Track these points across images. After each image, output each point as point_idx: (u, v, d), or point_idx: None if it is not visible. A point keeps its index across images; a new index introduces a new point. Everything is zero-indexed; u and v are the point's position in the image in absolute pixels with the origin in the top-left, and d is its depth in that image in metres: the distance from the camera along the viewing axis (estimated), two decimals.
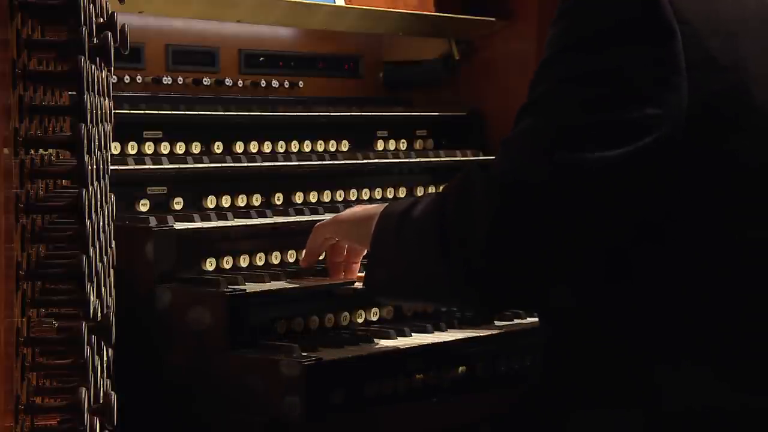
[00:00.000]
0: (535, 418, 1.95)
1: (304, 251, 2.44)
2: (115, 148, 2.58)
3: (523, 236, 1.81)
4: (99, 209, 1.40)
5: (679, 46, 1.76)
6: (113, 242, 1.61)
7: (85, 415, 1.26)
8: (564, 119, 1.81)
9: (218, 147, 2.76)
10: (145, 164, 2.56)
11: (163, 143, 2.67)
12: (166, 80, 2.89)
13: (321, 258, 2.60)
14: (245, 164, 2.72)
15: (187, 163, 2.64)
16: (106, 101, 1.53)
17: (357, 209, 2.32)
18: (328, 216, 2.65)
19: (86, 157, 1.27)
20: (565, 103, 1.81)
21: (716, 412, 1.79)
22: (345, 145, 3.04)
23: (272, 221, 2.57)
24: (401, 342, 2.40)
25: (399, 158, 3.06)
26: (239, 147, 2.80)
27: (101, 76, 1.42)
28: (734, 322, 1.80)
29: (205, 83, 2.95)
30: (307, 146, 2.95)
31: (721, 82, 1.78)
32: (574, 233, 1.80)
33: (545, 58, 1.86)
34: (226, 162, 2.70)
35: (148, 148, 2.64)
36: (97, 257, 1.36)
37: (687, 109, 1.75)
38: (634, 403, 1.82)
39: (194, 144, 2.72)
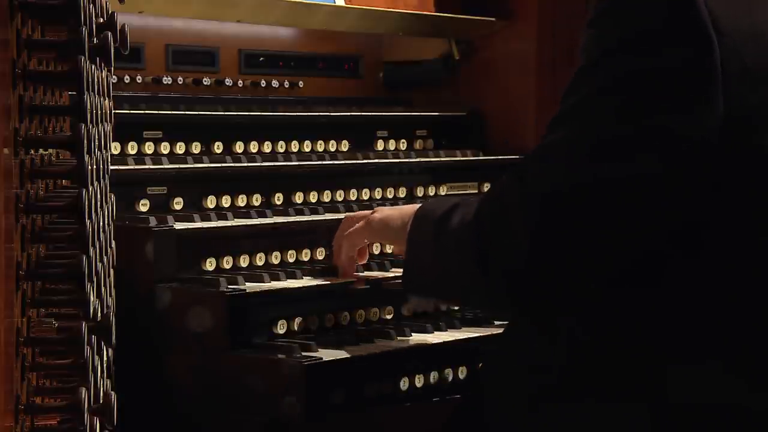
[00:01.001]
0: (539, 414, 1.95)
1: (334, 254, 2.45)
2: (115, 148, 2.58)
3: (564, 247, 1.81)
4: (99, 209, 1.40)
5: (717, 57, 1.75)
6: (113, 242, 1.61)
7: (85, 415, 1.26)
8: (599, 130, 1.81)
9: (218, 147, 2.76)
10: (145, 164, 2.56)
11: (163, 143, 2.67)
12: (166, 80, 2.89)
13: (321, 258, 2.61)
14: (245, 164, 2.72)
15: (187, 163, 2.64)
16: (106, 101, 1.53)
17: (388, 210, 2.32)
18: (328, 216, 2.66)
19: (86, 157, 1.27)
20: (600, 114, 1.81)
21: (734, 412, 1.79)
22: (345, 145, 3.04)
23: (272, 221, 2.57)
24: (401, 342, 2.39)
25: (399, 158, 3.06)
26: (239, 147, 2.80)
27: (101, 76, 1.42)
28: (759, 323, 1.80)
29: (205, 83, 2.95)
30: (307, 146, 2.95)
31: (757, 93, 1.77)
32: (614, 242, 1.81)
33: (579, 67, 1.85)
34: (226, 162, 2.70)
35: (148, 148, 2.64)
36: (97, 257, 1.36)
37: (722, 119, 1.75)
38: (643, 398, 1.82)
39: (194, 144, 2.72)
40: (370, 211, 2.36)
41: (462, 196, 3.09)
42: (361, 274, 2.48)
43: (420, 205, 2.16)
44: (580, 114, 1.84)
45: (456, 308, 2.67)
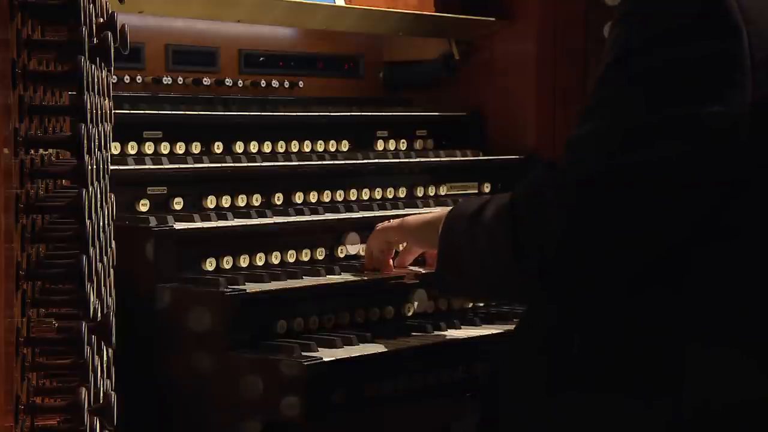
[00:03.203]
0: (555, 403, 1.94)
1: (365, 250, 2.53)
2: (115, 148, 2.58)
3: (597, 232, 1.84)
4: (99, 209, 1.40)
5: (745, 45, 1.78)
6: (113, 242, 1.61)
7: (85, 415, 1.26)
8: (630, 119, 1.84)
9: (218, 147, 2.76)
10: (145, 164, 2.56)
11: (163, 143, 2.67)
12: (166, 80, 2.89)
13: (321, 258, 2.61)
14: (245, 164, 2.72)
15: (187, 163, 2.64)
16: (106, 101, 1.53)
17: (421, 215, 2.37)
18: (328, 216, 2.66)
19: (86, 157, 1.27)
20: (631, 103, 1.85)
21: (755, 404, 1.80)
22: (345, 145, 3.04)
23: (272, 221, 2.57)
24: (401, 342, 2.39)
25: (399, 158, 3.06)
26: (239, 147, 2.80)
27: (101, 76, 1.42)
28: None
29: (205, 83, 2.95)
30: (307, 146, 2.95)
31: None
32: (645, 229, 1.84)
33: (611, 59, 1.87)
34: (226, 162, 2.70)
35: (148, 148, 2.64)
36: (97, 257, 1.36)
37: (751, 108, 1.77)
38: (661, 391, 1.83)
39: (194, 144, 2.72)
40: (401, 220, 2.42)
41: (462, 196, 3.09)
42: (413, 268, 2.52)
43: (452, 207, 2.18)
44: (611, 104, 1.87)
45: (456, 308, 2.67)
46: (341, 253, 2.63)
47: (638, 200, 1.82)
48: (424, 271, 2.53)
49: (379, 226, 2.46)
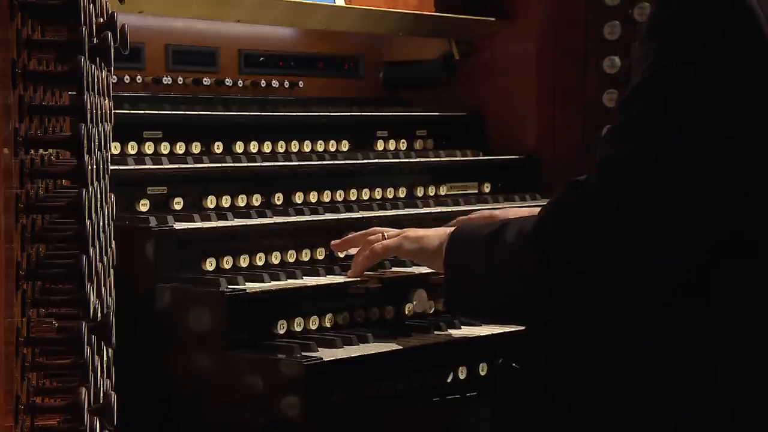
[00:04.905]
0: (551, 409, 1.94)
1: (353, 264, 2.47)
2: (115, 148, 2.58)
3: (631, 256, 1.82)
4: (99, 209, 1.40)
5: None
6: (113, 242, 1.61)
7: (85, 415, 1.26)
8: (663, 140, 1.81)
9: (218, 147, 2.76)
10: (145, 164, 2.56)
11: (163, 143, 2.67)
12: (166, 80, 2.89)
13: (321, 258, 2.61)
14: (245, 164, 2.72)
15: (187, 163, 2.64)
16: (106, 101, 1.53)
17: (420, 231, 2.33)
18: (328, 216, 2.66)
19: (86, 157, 1.27)
20: (663, 125, 1.82)
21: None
22: (345, 145, 3.04)
23: (272, 221, 2.57)
24: (401, 342, 2.39)
25: (399, 158, 3.06)
26: (239, 147, 2.80)
27: (101, 76, 1.42)
28: None
29: (205, 83, 2.95)
30: (307, 146, 2.96)
31: None
32: (679, 248, 1.82)
33: (640, 79, 1.85)
34: (226, 162, 2.70)
35: (148, 148, 2.64)
36: (97, 257, 1.36)
37: None
38: (673, 397, 1.83)
39: (194, 144, 2.72)
40: (401, 231, 2.37)
41: (462, 196, 3.09)
42: (372, 273, 2.49)
43: (454, 227, 2.16)
44: (642, 126, 1.84)
45: None
46: (341, 252, 2.63)
47: (673, 222, 1.80)
48: (386, 276, 2.52)
49: (378, 244, 2.41)
